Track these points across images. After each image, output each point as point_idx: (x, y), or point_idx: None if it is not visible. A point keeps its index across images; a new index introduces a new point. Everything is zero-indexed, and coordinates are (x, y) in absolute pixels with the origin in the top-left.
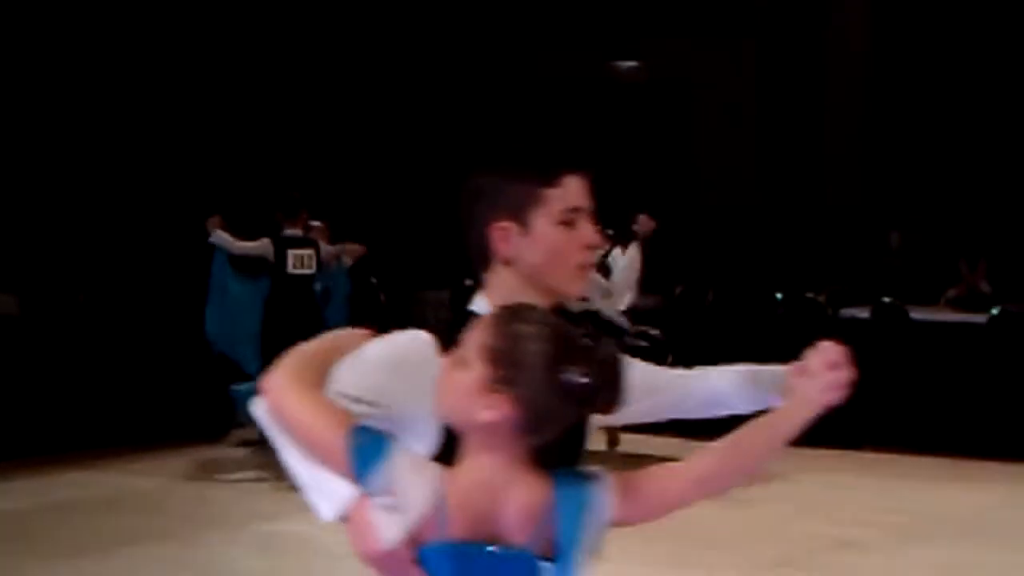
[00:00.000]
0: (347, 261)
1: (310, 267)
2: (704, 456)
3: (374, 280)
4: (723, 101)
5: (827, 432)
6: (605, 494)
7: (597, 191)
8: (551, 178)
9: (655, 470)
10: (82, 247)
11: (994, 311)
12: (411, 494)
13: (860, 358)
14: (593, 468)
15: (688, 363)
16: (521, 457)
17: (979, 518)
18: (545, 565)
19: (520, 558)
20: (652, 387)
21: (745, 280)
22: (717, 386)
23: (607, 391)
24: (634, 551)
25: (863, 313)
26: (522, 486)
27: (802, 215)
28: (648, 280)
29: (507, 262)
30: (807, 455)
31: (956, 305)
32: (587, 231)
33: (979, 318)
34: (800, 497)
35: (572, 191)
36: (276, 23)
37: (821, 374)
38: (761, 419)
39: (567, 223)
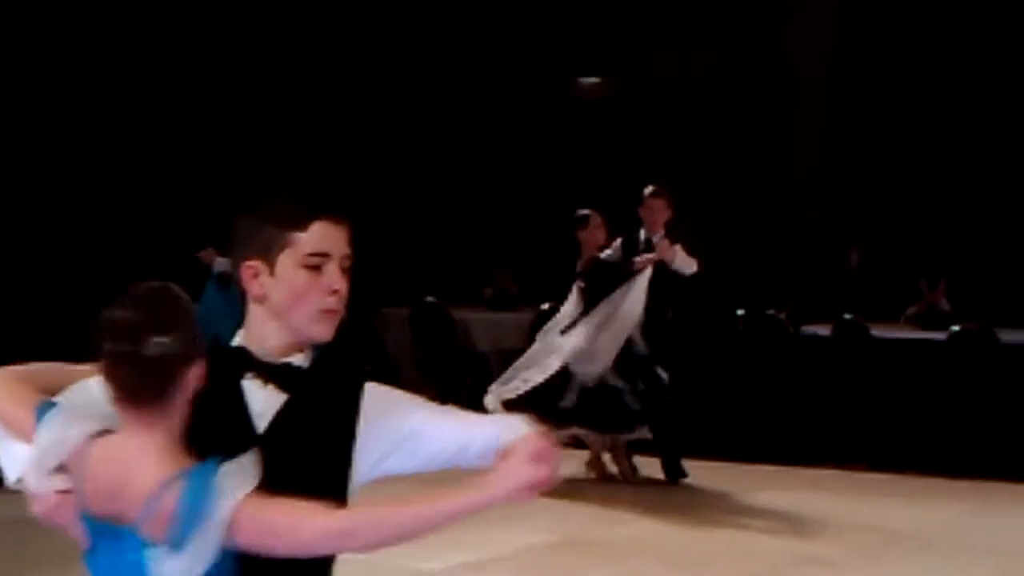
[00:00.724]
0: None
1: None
2: (358, 511)
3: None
4: (686, 117)
5: (789, 449)
6: (228, 500)
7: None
8: (300, 222)
9: (304, 505)
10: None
11: (954, 329)
12: (44, 448)
13: (821, 375)
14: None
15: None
16: (162, 440)
17: (941, 534)
18: (152, 548)
19: (126, 535)
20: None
21: (706, 297)
22: (473, 442)
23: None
24: (595, 570)
25: (824, 331)
26: (149, 468)
27: (764, 232)
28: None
29: (258, 300)
30: (769, 472)
31: (916, 323)
32: (332, 276)
33: (939, 335)
34: (764, 514)
35: (320, 236)
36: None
37: (520, 467)
38: (435, 495)
39: (312, 267)
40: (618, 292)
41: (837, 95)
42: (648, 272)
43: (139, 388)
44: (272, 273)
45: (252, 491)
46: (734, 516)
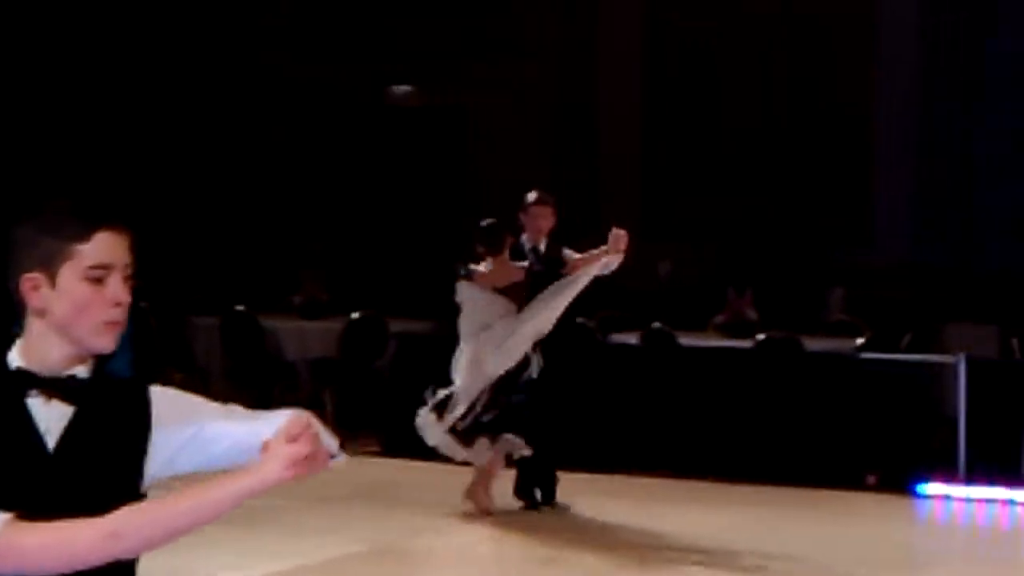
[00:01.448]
0: None
1: None
2: (124, 512)
3: (144, 304)
4: (500, 126)
5: (593, 456)
6: None
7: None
8: (81, 234)
9: (62, 523)
10: None
11: (760, 337)
12: None
13: (629, 383)
14: None
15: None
16: None
17: (744, 540)
18: None
19: None
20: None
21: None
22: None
23: None
24: None
25: (632, 339)
26: None
27: (576, 241)
28: (419, 305)
29: (38, 313)
30: (577, 479)
31: (723, 331)
32: (115, 288)
33: (746, 343)
34: (573, 521)
35: (102, 247)
36: None
37: (280, 447)
38: (204, 484)
39: (94, 280)
40: (550, 292)
41: (649, 101)
42: (585, 280)
43: None
44: (53, 286)
45: (10, 518)
46: (547, 524)
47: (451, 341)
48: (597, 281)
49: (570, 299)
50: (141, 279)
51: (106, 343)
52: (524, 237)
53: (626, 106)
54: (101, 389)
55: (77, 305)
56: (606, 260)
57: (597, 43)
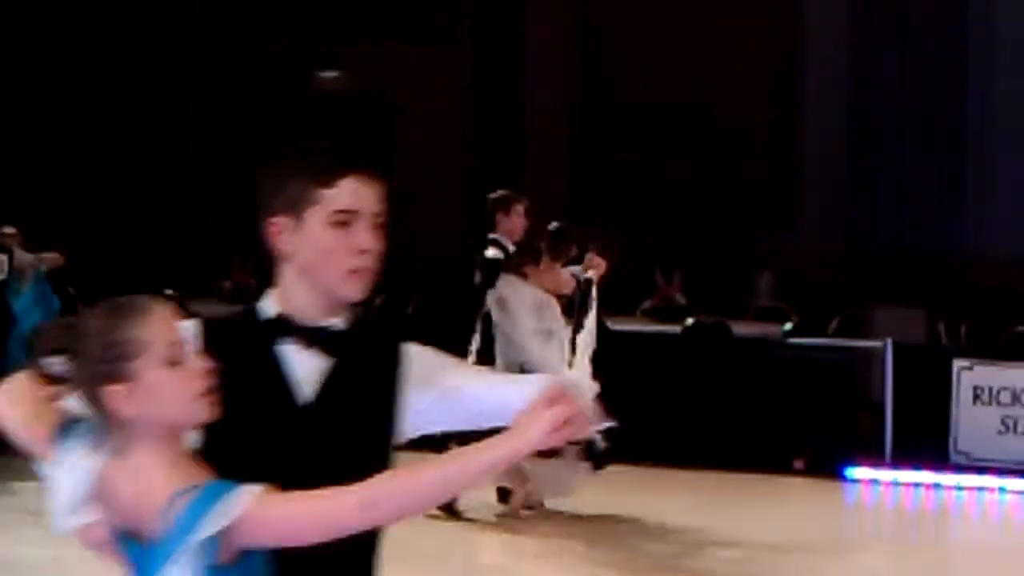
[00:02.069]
0: (43, 269)
1: (1, 272)
2: (377, 480)
3: (72, 290)
4: (424, 112)
5: None
6: (238, 503)
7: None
8: (328, 178)
9: (316, 492)
10: None
11: (688, 322)
12: (71, 483)
13: None
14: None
15: None
16: (168, 455)
17: (677, 524)
18: (140, 549)
19: (152, 553)
20: (441, 384)
21: (448, 289)
22: (510, 400)
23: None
24: None
25: None
26: (159, 483)
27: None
28: None
29: (285, 258)
30: None
31: (652, 316)
32: (361, 235)
33: (674, 328)
34: (480, 509)
35: (349, 193)
36: None
37: (540, 411)
38: (457, 451)
39: (340, 224)
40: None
41: (576, 85)
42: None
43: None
44: (298, 230)
45: (263, 492)
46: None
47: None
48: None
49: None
50: (71, 266)
51: (353, 291)
52: (499, 236)
53: (554, 92)
54: (359, 341)
55: (322, 250)
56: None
57: (526, 28)
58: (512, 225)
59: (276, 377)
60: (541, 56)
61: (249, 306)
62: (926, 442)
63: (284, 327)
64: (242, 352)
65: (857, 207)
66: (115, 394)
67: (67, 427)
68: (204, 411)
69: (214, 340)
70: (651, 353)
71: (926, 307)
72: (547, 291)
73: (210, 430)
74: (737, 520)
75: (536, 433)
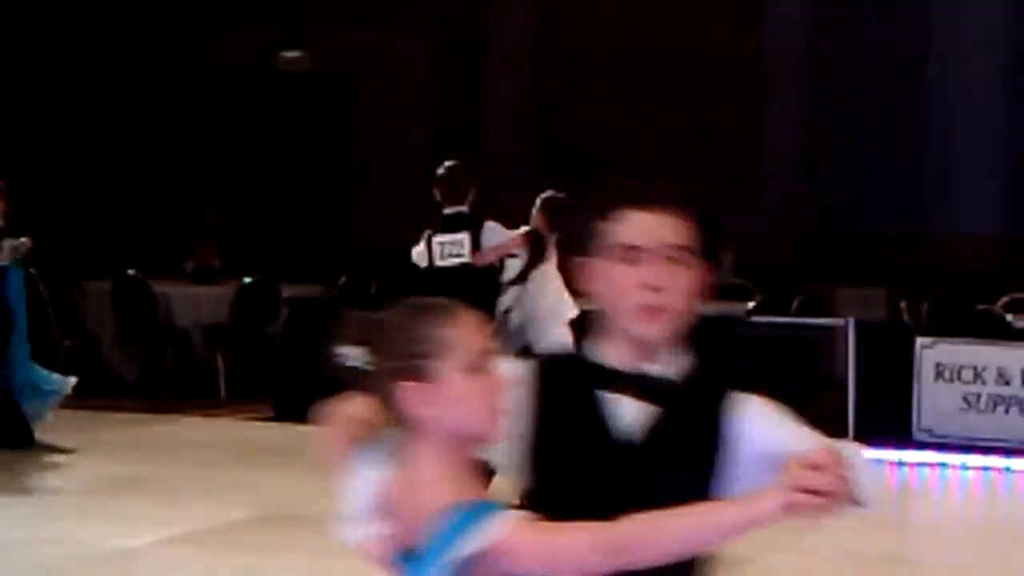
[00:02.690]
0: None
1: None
2: (625, 522)
3: (33, 271)
4: (388, 92)
5: None
6: (494, 528)
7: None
8: (611, 212)
9: (573, 525)
10: None
11: None
12: (355, 495)
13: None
14: (506, 504)
15: None
16: (449, 469)
17: None
18: (401, 561)
19: (401, 555)
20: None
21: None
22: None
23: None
24: (299, 542)
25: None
26: (432, 496)
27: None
28: (311, 270)
29: (595, 299)
30: None
31: None
32: (649, 270)
33: None
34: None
35: (631, 227)
36: None
37: (796, 475)
38: (705, 507)
39: (627, 259)
40: None
41: (540, 64)
42: None
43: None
44: (595, 268)
45: (520, 519)
46: None
47: (344, 305)
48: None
49: None
50: (38, 247)
51: (646, 329)
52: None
53: (515, 69)
54: (687, 391)
55: (611, 287)
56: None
57: (487, 11)
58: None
59: (599, 422)
60: (502, 40)
61: (579, 346)
62: (889, 420)
63: (606, 373)
64: (567, 393)
65: (818, 186)
66: (412, 392)
67: (371, 441)
68: (495, 426)
69: (541, 376)
70: None
71: (888, 286)
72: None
73: (536, 469)
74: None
75: (775, 498)
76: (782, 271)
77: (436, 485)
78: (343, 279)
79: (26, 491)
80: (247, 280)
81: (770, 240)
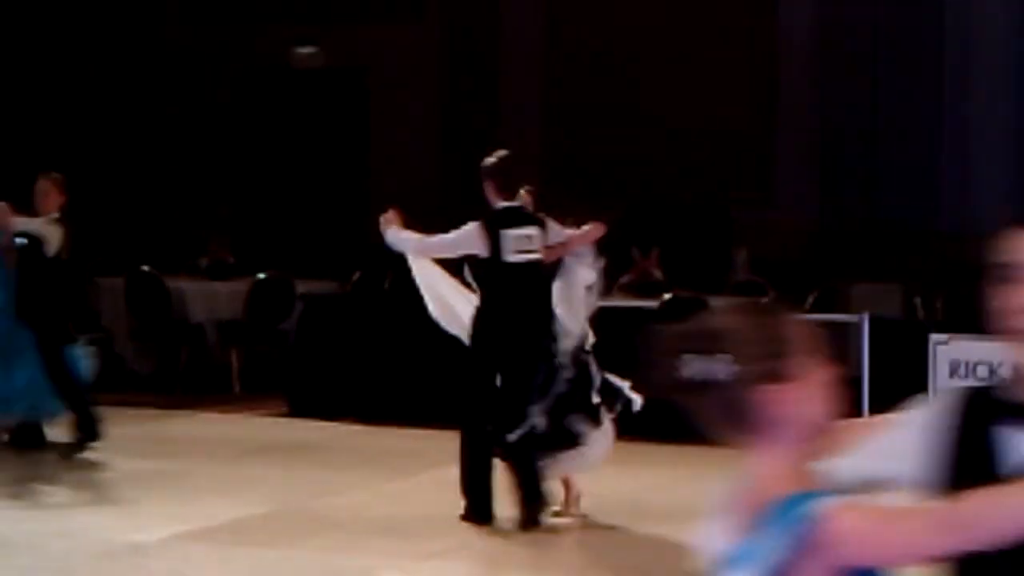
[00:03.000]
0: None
1: None
2: (965, 501)
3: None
4: (401, 87)
5: None
6: (829, 513)
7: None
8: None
9: (903, 508)
10: None
11: (666, 297)
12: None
13: None
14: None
15: (367, 345)
16: (787, 462)
17: (643, 500)
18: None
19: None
20: None
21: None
22: None
23: None
24: (311, 539)
25: None
26: (771, 489)
27: (479, 201)
28: (325, 266)
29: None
30: None
31: (630, 291)
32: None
33: (652, 303)
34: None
35: (1011, 246)
36: None
37: None
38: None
39: (1004, 280)
40: None
41: (551, 61)
42: None
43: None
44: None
45: (855, 507)
46: (416, 481)
47: (358, 301)
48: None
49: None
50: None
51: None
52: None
53: (527, 65)
54: None
55: (994, 310)
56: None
57: (500, 7)
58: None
59: (994, 456)
60: (514, 33)
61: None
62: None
63: (1004, 406)
64: (967, 425)
65: (832, 183)
66: (772, 393)
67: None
68: (831, 418)
69: (952, 408)
70: (629, 326)
71: (902, 282)
72: None
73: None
74: (716, 490)
75: None
76: (797, 267)
77: (780, 480)
78: (357, 275)
79: (39, 485)
80: (261, 276)
81: (784, 236)
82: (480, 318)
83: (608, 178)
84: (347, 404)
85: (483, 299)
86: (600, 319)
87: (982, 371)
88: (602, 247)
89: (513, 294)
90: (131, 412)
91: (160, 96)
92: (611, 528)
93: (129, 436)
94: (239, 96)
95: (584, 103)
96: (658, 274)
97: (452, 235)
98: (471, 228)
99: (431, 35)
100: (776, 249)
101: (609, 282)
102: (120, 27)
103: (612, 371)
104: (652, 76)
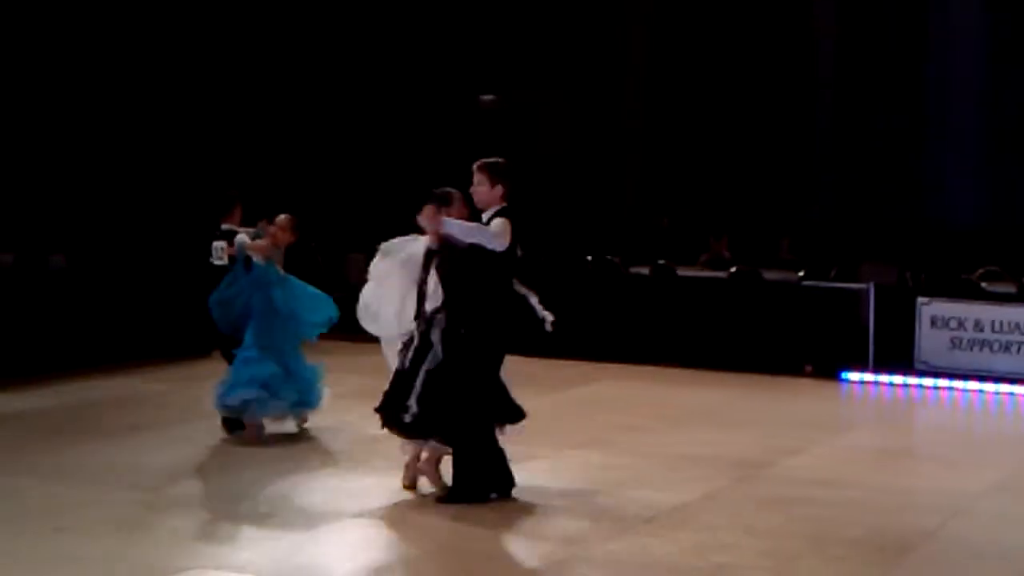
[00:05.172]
0: (257, 259)
1: (221, 259)
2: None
3: (313, 244)
4: (544, 136)
5: (621, 351)
6: None
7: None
8: None
9: None
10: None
11: (732, 270)
12: None
13: (643, 301)
14: None
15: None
16: None
17: (719, 409)
18: None
19: None
20: None
21: (562, 246)
22: None
23: None
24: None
25: (644, 271)
26: None
27: (604, 205)
28: None
29: None
30: (608, 368)
31: (707, 266)
32: None
33: (722, 275)
34: (601, 395)
35: None
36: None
37: None
38: None
39: None
40: None
41: (656, 119)
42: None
43: None
44: None
45: None
46: (577, 398)
47: None
48: (622, 230)
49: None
50: (303, 226)
51: None
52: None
53: (640, 117)
54: None
55: None
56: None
57: (620, 73)
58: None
59: None
60: (632, 90)
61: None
62: (898, 355)
63: None
64: None
65: (853, 189)
66: None
67: None
68: None
69: None
70: (706, 292)
71: (898, 262)
72: None
73: None
74: (766, 406)
75: None
76: (824, 249)
77: None
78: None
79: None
80: None
81: (817, 226)
82: (493, 311)
83: (694, 186)
84: None
85: (499, 291)
86: (685, 285)
87: (953, 323)
88: (688, 235)
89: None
90: None
91: (381, 129)
92: (690, 424)
93: None
94: (440, 130)
95: (684, 143)
96: (726, 254)
97: (496, 225)
98: (506, 222)
99: (567, 97)
100: (811, 237)
101: (692, 259)
102: (353, 77)
103: (696, 322)
104: (727, 119)
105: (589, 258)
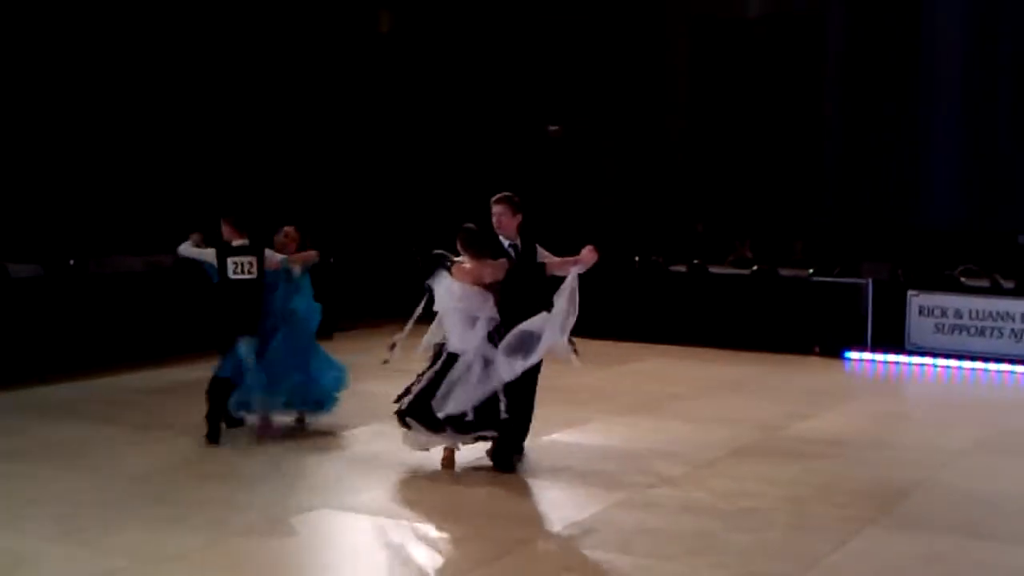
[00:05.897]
0: (296, 270)
1: (251, 272)
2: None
3: (332, 260)
4: (600, 150)
5: (656, 334)
6: None
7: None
8: None
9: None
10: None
11: (754, 268)
12: None
13: (680, 294)
14: None
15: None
16: None
17: (748, 381)
18: None
19: None
20: None
21: (615, 250)
22: None
23: None
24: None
25: (682, 268)
26: None
27: (648, 215)
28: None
29: None
30: (640, 347)
31: (733, 264)
32: None
33: (745, 272)
34: (646, 370)
35: None
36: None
37: None
38: None
39: None
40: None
41: (693, 132)
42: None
43: None
44: None
45: None
46: (627, 371)
47: None
48: (663, 234)
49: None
50: (339, 240)
51: None
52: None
53: (678, 131)
54: None
55: None
56: (576, 269)
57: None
58: (495, 223)
59: None
60: (673, 123)
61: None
62: (892, 338)
63: None
64: None
65: (854, 200)
66: None
67: None
68: None
69: None
70: (732, 286)
71: (891, 260)
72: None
73: None
74: (780, 381)
75: None
76: (831, 249)
77: None
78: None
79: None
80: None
81: (826, 230)
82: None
83: (722, 197)
84: None
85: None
86: (716, 280)
87: (937, 312)
88: (718, 239)
89: None
90: None
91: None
92: (712, 397)
93: None
94: (508, 159)
95: (716, 156)
96: (749, 255)
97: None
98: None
99: (617, 110)
100: (820, 240)
101: (722, 259)
102: (432, 108)
103: (723, 311)
104: (748, 135)
105: (637, 259)
